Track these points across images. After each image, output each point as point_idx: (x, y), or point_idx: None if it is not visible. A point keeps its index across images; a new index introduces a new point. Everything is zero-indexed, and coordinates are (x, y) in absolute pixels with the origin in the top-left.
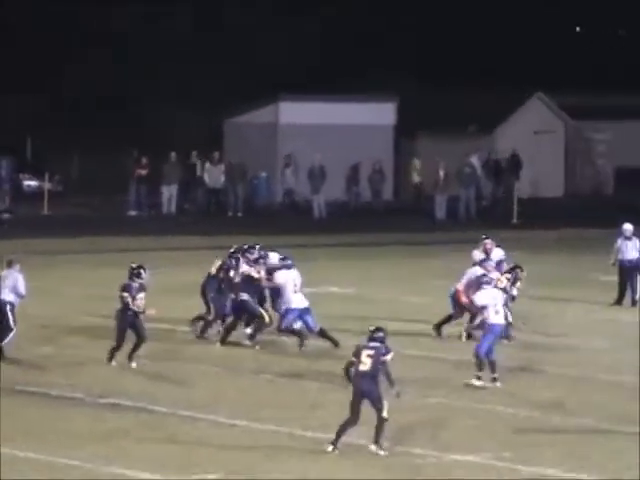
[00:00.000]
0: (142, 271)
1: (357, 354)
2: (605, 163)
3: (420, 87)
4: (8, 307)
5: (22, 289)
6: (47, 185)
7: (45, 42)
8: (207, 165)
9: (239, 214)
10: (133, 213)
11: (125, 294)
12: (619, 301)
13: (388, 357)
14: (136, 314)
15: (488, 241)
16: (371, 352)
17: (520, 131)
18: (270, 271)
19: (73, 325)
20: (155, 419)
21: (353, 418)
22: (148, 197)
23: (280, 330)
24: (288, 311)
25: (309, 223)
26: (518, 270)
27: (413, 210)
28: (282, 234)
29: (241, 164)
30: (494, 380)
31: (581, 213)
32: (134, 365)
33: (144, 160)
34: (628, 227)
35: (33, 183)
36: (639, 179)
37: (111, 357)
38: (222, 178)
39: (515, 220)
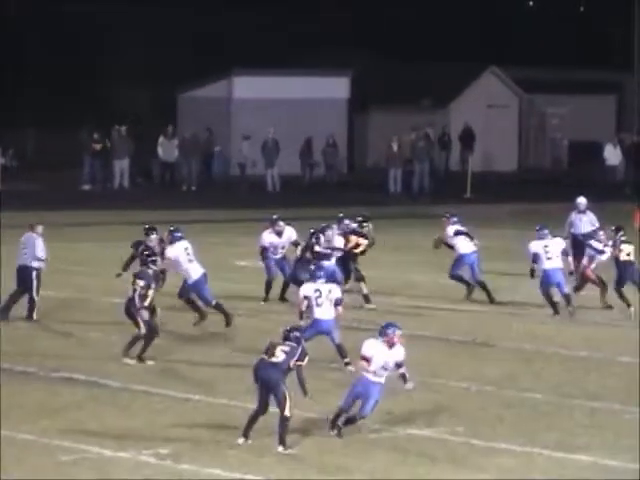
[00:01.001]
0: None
1: (271, 350)
2: (559, 137)
3: (374, 61)
4: (34, 273)
5: (41, 253)
6: (0, 160)
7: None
8: (161, 139)
9: (193, 188)
10: (87, 187)
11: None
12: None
13: (304, 362)
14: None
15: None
16: (286, 348)
17: (474, 105)
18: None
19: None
20: (107, 393)
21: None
22: (102, 171)
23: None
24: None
25: (263, 197)
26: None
27: (367, 184)
28: (236, 208)
29: (195, 138)
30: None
31: (535, 187)
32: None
33: (96, 135)
34: (582, 201)
35: None
36: (593, 153)
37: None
38: (176, 152)
39: (468, 194)
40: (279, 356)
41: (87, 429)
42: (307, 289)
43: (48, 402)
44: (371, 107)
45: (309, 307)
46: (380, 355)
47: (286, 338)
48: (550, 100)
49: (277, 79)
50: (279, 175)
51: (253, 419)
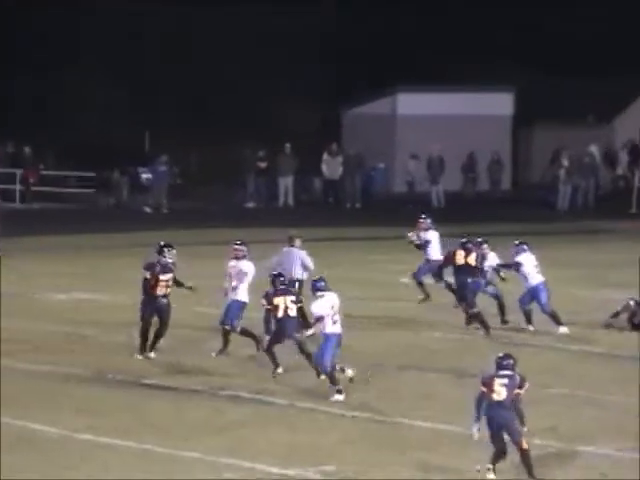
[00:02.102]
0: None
1: (489, 385)
2: None
3: (538, 77)
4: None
5: (310, 264)
6: None
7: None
8: (325, 156)
9: (357, 205)
10: (251, 205)
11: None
12: None
13: (523, 390)
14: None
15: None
16: (505, 381)
17: (639, 121)
18: None
19: (187, 317)
20: (274, 411)
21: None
22: (266, 189)
23: None
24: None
25: (428, 214)
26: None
27: (532, 200)
28: (400, 225)
29: (358, 155)
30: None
31: None
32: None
33: (261, 153)
34: None
35: (152, 176)
36: None
37: None
38: (340, 169)
39: (634, 210)
40: (500, 393)
41: (253, 447)
42: None
43: (213, 420)
44: (535, 123)
45: None
46: None
47: (499, 367)
48: None
49: (441, 95)
50: (444, 191)
51: (497, 457)
